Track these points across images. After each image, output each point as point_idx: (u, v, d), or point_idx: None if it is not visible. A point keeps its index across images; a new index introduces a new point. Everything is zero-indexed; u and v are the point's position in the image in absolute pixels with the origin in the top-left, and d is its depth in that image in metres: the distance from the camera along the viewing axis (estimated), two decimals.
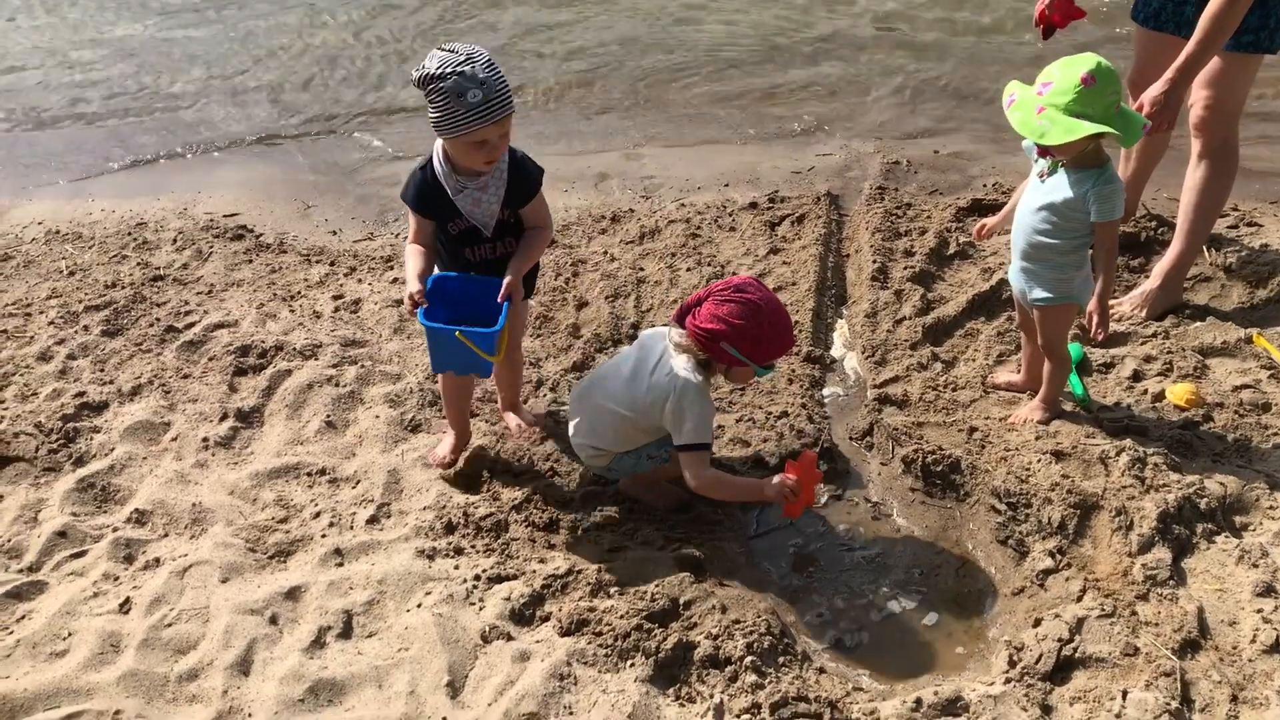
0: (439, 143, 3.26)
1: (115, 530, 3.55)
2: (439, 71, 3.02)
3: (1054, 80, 3.14)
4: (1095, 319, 3.39)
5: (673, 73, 7.55)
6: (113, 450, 3.94)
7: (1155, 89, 3.62)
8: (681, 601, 3.12)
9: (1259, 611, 2.91)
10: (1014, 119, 3.23)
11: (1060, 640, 2.90)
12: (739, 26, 8.22)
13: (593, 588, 3.18)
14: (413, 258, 3.32)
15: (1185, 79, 3.65)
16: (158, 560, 3.42)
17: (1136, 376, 3.96)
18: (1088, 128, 3.08)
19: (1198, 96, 4.05)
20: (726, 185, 5.90)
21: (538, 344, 4.47)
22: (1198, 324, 4.21)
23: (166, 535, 3.55)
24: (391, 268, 5.22)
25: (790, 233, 5.23)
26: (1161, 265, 4.38)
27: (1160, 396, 3.83)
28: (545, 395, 4.12)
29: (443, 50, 3.07)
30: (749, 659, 2.87)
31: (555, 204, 5.75)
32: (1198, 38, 3.61)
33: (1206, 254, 4.58)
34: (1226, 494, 3.32)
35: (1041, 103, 3.15)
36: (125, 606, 3.23)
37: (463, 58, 3.04)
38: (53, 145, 7.15)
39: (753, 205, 5.53)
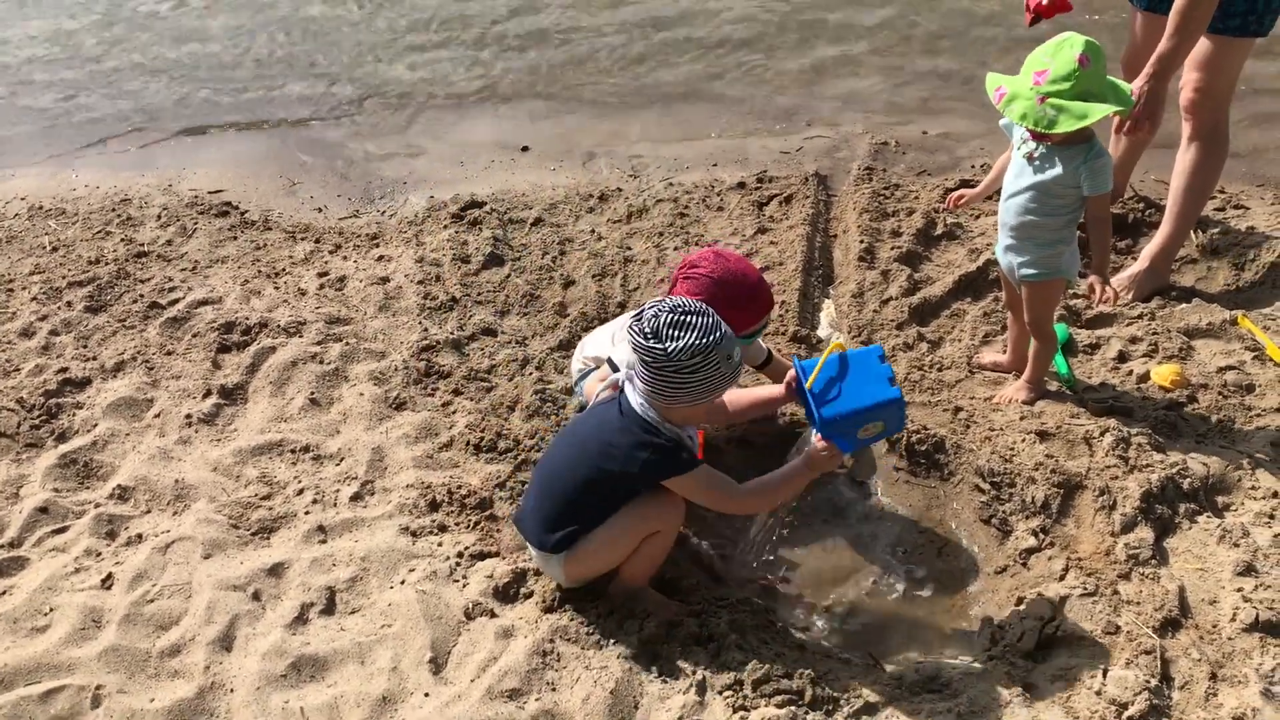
0: (650, 413, 2.80)
1: (98, 506, 3.54)
2: (707, 340, 2.67)
3: (1049, 67, 3.09)
4: (1098, 290, 3.39)
5: (662, 52, 7.51)
6: (95, 426, 3.92)
7: (1137, 83, 3.61)
8: (666, 578, 3.13)
9: (1239, 590, 2.93)
10: (1014, 112, 3.17)
11: (1042, 619, 2.91)
12: (729, 6, 8.17)
13: None
14: (771, 482, 2.91)
15: (1164, 73, 3.66)
16: (140, 536, 3.41)
17: (1122, 357, 3.96)
18: (1100, 109, 3.07)
19: (1188, 79, 4.05)
20: (715, 165, 5.88)
21: (523, 322, 4.46)
22: (1183, 306, 4.22)
23: (149, 511, 3.53)
24: (377, 245, 5.19)
25: (778, 213, 5.22)
26: (1150, 248, 4.38)
27: (1145, 377, 3.83)
28: (531, 374, 4.11)
29: (672, 313, 2.69)
30: (732, 636, 2.87)
31: (543, 182, 5.76)
32: (1169, 32, 3.62)
33: (1194, 236, 4.58)
34: (1209, 474, 3.33)
35: (1041, 91, 3.11)
36: (107, 582, 3.22)
37: (709, 317, 2.71)
38: (37, 120, 7.10)
39: (741, 185, 5.51)
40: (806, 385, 2.91)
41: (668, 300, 2.76)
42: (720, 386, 2.78)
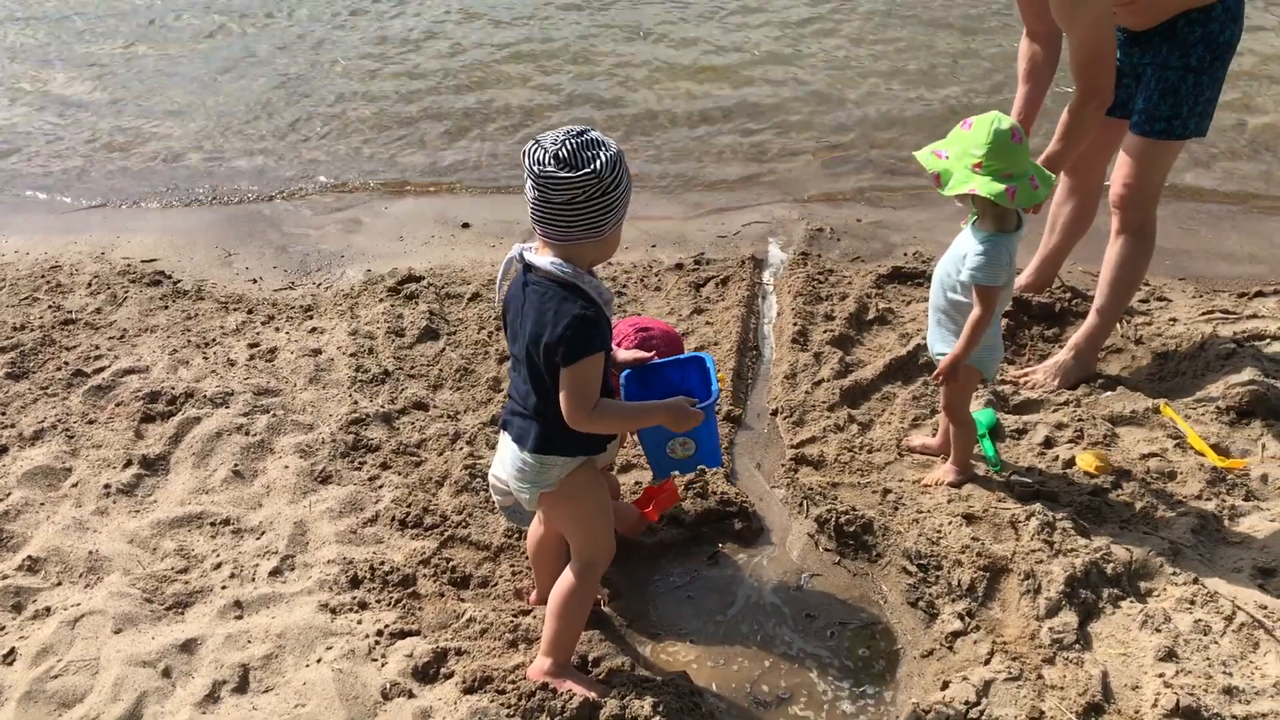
0: (566, 268, 2.63)
1: (5, 578, 3.42)
2: (613, 148, 2.56)
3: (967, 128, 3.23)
4: (939, 368, 3.48)
5: (603, 133, 7.58)
6: (9, 495, 3.81)
7: None
8: (590, 659, 3.08)
9: (1160, 676, 2.93)
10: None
11: (967, 703, 2.90)
12: (669, 91, 8.30)
13: (499, 645, 3.12)
14: (626, 408, 2.95)
15: (1053, 170, 3.83)
16: (48, 609, 3.30)
17: (1048, 443, 4.01)
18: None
19: (1117, 175, 4.17)
20: (654, 246, 5.92)
21: (456, 397, 4.43)
22: (1108, 393, 4.29)
23: (60, 584, 3.43)
24: (311, 316, 5.14)
25: (714, 294, 5.25)
26: (1076, 337, 4.46)
27: (1071, 463, 3.88)
28: (461, 449, 4.06)
29: (568, 138, 2.53)
30: (656, 719, 2.82)
31: (482, 258, 5.76)
32: (1056, 135, 3.91)
33: (1119, 327, 4.68)
34: (1132, 559, 3.36)
35: (939, 147, 3.31)
36: (9, 657, 3.11)
37: (590, 129, 2.59)
38: None
39: (679, 266, 5.55)
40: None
41: (550, 134, 2.54)
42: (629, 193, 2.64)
